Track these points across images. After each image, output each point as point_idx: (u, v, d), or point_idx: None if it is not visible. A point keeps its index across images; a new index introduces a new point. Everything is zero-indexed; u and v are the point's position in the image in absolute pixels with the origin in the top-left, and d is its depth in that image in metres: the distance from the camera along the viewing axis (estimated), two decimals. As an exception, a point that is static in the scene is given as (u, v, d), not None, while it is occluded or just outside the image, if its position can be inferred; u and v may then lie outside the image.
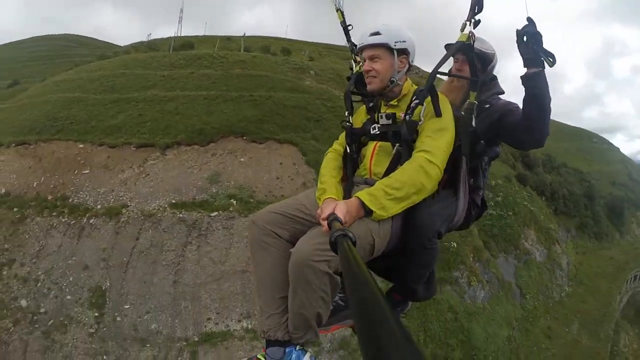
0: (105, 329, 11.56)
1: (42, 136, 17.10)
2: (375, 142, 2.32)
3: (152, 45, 29.74)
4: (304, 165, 15.45)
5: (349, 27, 2.67)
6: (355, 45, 2.48)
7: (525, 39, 2.13)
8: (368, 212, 1.91)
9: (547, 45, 2.13)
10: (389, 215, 1.96)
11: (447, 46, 2.46)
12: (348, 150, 2.43)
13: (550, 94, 2.18)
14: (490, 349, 13.46)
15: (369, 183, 2.13)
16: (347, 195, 2.20)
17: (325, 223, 1.74)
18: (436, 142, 2.08)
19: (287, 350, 2.07)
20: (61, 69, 41.42)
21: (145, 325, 11.70)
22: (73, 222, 13.42)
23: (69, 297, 11.97)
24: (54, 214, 13.82)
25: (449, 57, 2.36)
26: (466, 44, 2.26)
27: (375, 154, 2.30)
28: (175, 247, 12.75)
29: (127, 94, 19.25)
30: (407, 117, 2.17)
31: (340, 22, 2.69)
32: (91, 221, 13.26)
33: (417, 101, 2.15)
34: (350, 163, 2.43)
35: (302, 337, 2.08)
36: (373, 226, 1.98)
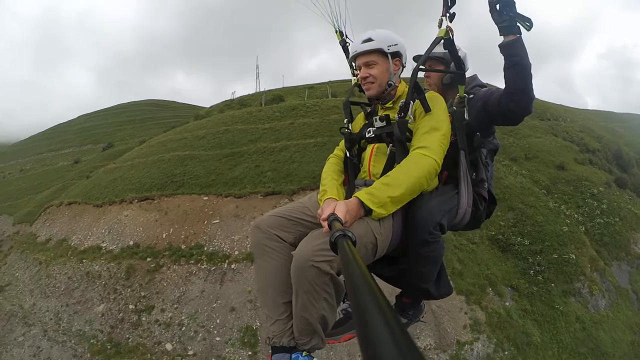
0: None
1: (165, 192, 17.86)
2: (373, 145, 2.31)
3: (242, 102, 31.09)
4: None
5: (348, 45, 2.66)
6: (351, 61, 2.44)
7: (498, 7, 2.06)
8: (368, 211, 1.88)
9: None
10: (389, 212, 1.93)
11: (416, 57, 2.52)
12: (348, 155, 2.43)
13: (530, 61, 2.12)
14: (617, 354, 13.48)
15: (369, 184, 2.06)
16: (348, 198, 2.13)
17: (325, 223, 1.70)
18: (431, 137, 2.05)
19: (293, 356, 1.99)
20: (151, 130, 44.66)
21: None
22: (213, 268, 13.43)
23: (217, 338, 11.88)
24: (192, 261, 13.92)
25: (430, 52, 2.30)
26: (445, 38, 2.22)
27: (373, 156, 2.29)
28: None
29: (236, 148, 19.94)
30: (398, 117, 2.16)
31: (340, 42, 2.71)
32: (232, 266, 13.16)
33: (404, 100, 2.16)
34: (351, 167, 2.42)
35: (308, 343, 2.00)
36: (374, 225, 1.94)
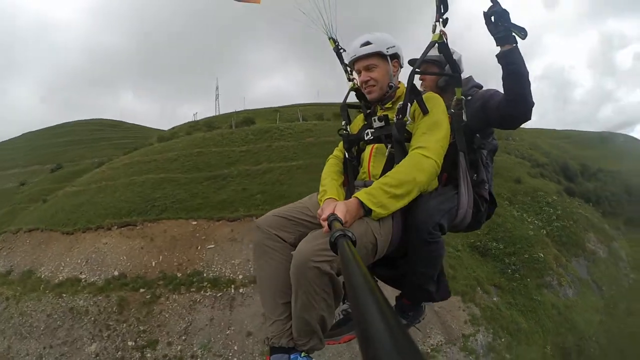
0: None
1: (147, 217, 16.79)
2: (372, 145, 2.29)
3: (209, 124, 30.22)
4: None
5: (341, 51, 2.66)
6: (348, 65, 2.46)
7: (493, 19, 2.10)
8: (367, 211, 1.85)
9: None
10: (389, 212, 1.91)
11: (412, 61, 2.47)
12: (347, 156, 2.42)
13: (528, 69, 2.15)
14: (590, 332, 15.75)
15: (369, 185, 2.03)
16: (348, 198, 2.06)
17: (325, 223, 1.67)
18: (430, 137, 2.03)
19: (291, 357, 1.97)
20: (104, 151, 41.80)
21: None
22: (219, 294, 12.94)
23: None
24: (193, 289, 13.26)
25: (425, 55, 2.29)
26: (439, 42, 2.24)
27: (372, 157, 2.27)
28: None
29: (215, 171, 19.40)
30: (397, 118, 2.14)
31: (334, 49, 2.69)
32: (241, 291, 12.73)
33: (402, 102, 2.14)
34: (351, 169, 2.40)
35: (307, 343, 1.97)
36: (374, 225, 1.91)
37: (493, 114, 2.32)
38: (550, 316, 15.31)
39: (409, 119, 2.10)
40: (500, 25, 2.08)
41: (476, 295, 14.70)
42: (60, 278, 15.65)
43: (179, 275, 13.91)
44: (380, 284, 2.25)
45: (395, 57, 2.24)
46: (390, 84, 2.24)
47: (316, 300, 1.80)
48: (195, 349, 11.83)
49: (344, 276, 1.11)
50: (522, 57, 2.10)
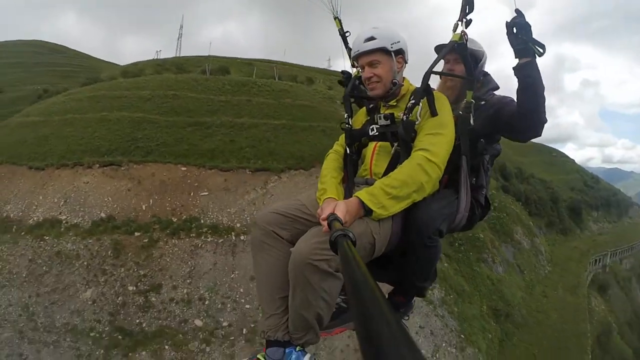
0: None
1: (132, 158, 15.70)
2: (375, 143, 2.21)
3: (179, 66, 27.87)
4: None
5: (347, 34, 2.53)
6: (352, 60, 2.34)
7: (515, 30, 2.05)
8: (368, 212, 1.82)
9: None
10: (389, 214, 1.87)
11: (438, 47, 2.41)
12: (348, 152, 2.32)
13: (544, 84, 2.10)
14: (515, 302, 18.23)
15: (370, 183, 2.00)
16: (347, 196, 2.08)
17: (325, 223, 1.64)
18: (436, 140, 1.97)
19: (287, 350, 1.96)
20: (46, 78, 36.98)
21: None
22: (221, 240, 12.96)
23: (247, 306, 11.77)
24: (192, 235, 13.16)
25: (443, 56, 2.25)
26: (459, 43, 2.18)
27: (375, 154, 2.20)
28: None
29: (196, 117, 18.48)
30: (405, 117, 2.06)
31: (338, 30, 2.57)
32: (242, 238, 12.92)
33: (414, 101, 2.07)
34: (351, 164, 2.31)
35: (302, 337, 1.97)
36: (373, 225, 1.88)
37: (504, 125, 2.29)
38: (486, 285, 17.71)
39: (418, 118, 2.02)
40: (521, 37, 2.04)
41: None
42: (35, 219, 14.37)
43: (174, 220, 13.57)
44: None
45: (400, 52, 2.15)
46: (394, 80, 2.15)
47: (314, 298, 1.79)
48: (202, 292, 11.97)
49: (344, 276, 1.11)
50: (539, 72, 2.06)
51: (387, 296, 2.33)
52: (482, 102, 2.34)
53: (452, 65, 2.49)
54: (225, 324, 11.28)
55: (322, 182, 2.18)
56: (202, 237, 12.94)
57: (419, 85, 2.14)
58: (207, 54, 37.08)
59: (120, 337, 11.12)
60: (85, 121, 18.50)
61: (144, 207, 14.08)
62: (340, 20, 2.54)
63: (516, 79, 2.12)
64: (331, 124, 18.26)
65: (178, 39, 44.32)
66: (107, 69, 39.30)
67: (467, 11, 2.11)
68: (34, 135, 18.48)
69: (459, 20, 2.13)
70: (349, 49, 2.38)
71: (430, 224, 1.95)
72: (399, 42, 2.11)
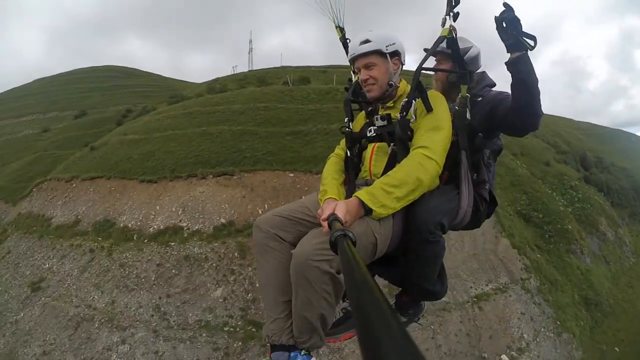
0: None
1: (243, 167, 16.33)
2: (373, 144, 2.19)
3: (261, 79, 28.70)
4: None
5: (348, 41, 2.46)
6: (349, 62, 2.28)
7: (504, 24, 1.97)
8: (368, 211, 1.78)
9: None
10: (389, 212, 1.83)
11: (426, 50, 2.35)
12: (349, 154, 2.30)
13: (537, 76, 2.03)
14: (603, 292, 18.49)
15: (369, 184, 1.95)
16: (348, 197, 1.97)
17: (325, 223, 1.61)
18: (433, 137, 1.94)
19: (291, 354, 1.90)
20: (127, 99, 39.34)
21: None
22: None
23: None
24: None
25: (432, 52, 2.21)
26: (448, 37, 2.13)
27: (374, 155, 2.17)
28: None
29: (292, 127, 18.74)
30: (400, 116, 2.05)
31: (340, 38, 2.54)
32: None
33: (407, 100, 2.04)
34: (352, 167, 2.28)
35: (307, 341, 1.90)
36: (374, 225, 1.84)
37: (500, 121, 2.22)
38: (576, 275, 17.82)
39: (413, 117, 2.00)
40: (511, 32, 1.95)
41: (527, 250, 16.48)
42: (155, 227, 14.78)
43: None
44: (379, 281, 2.11)
45: (396, 54, 2.11)
46: (390, 82, 2.12)
47: (316, 299, 1.74)
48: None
49: (344, 276, 1.08)
50: (531, 65, 1.98)
51: (394, 297, 2.37)
52: (479, 99, 2.29)
53: (439, 61, 2.49)
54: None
55: (323, 184, 2.15)
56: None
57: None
58: (279, 65, 37.77)
59: (254, 329, 11.53)
60: (188, 136, 19.25)
61: (260, 212, 14.25)
62: (342, 29, 2.52)
63: (509, 74, 2.04)
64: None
65: (249, 53, 45.88)
66: (185, 87, 41.11)
67: (453, 4, 2.06)
68: (139, 152, 19.42)
69: (446, 15, 2.09)
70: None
71: (431, 219, 1.89)
72: (394, 43, 2.07)
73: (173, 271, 13.37)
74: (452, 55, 2.22)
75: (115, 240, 14.87)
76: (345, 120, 2.31)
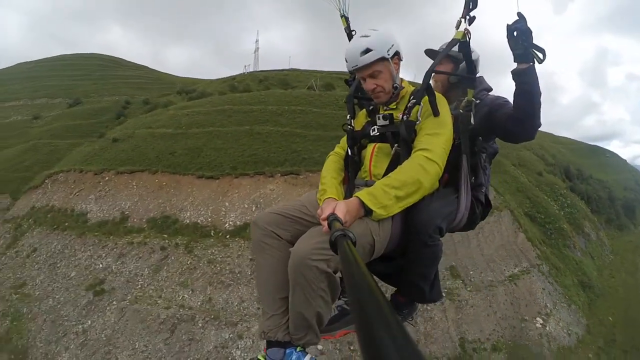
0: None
1: (306, 167, 17.16)
2: (373, 144, 2.14)
3: (284, 82, 28.19)
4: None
5: (353, 33, 2.40)
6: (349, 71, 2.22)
7: (515, 34, 1.94)
8: (368, 212, 1.75)
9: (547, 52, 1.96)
10: (389, 214, 1.81)
11: (428, 51, 2.43)
12: (349, 153, 2.23)
13: (541, 89, 2.02)
14: (593, 278, 21.43)
15: (370, 185, 1.90)
16: (348, 197, 1.98)
17: (325, 223, 1.59)
18: (435, 140, 1.92)
19: (287, 351, 1.89)
20: (121, 90, 37.02)
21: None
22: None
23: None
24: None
25: (445, 54, 2.20)
26: (462, 41, 2.11)
27: (374, 156, 2.13)
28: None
29: (334, 132, 19.27)
30: (405, 117, 2.02)
31: (345, 28, 2.45)
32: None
33: (415, 101, 2.02)
34: (352, 166, 2.23)
35: (303, 338, 1.90)
36: (373, 226, 1.83)
37: (498, 126, 2.22)
38: (572, 264, 21.10)
39: (419, 119, 1.98)
40: (521, 42, 1.93)
41: (537, 243, 19.85)
42: (231, 223, 14.67)
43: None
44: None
45: (396, 54, 2.05)
46: (394, 85, 2.08)
47: (313, 298, 1.75)
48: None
49: (344, 276, 1.04)
50: (537, 77, 1.99)
51: (390, 296, 2.36)
52: (477, 101, 2.24)
53: (443, 64, 2.45)
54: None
55: (322, 182, 2.12)
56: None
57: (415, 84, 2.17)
58: (288, 67, 37.37)
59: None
60: (233, 134, 19.22)
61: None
62: (347, 18, 2.45)
63: (514, 83, 2.08)
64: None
65: (254, 52, 44.30)
66: (194, 83, 39.54)
67: (470, 7, 2.03)
68: (181, 147, 19.28)
69: (462, 17, 2.06)
70: None
71: (430, 223, 1.89)
72: (393, 45, 2.01)
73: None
74: (464, 58, 2.21)
75: (191, 236, 14.25)
76: (347, 118, 2.26)
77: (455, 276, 15.63)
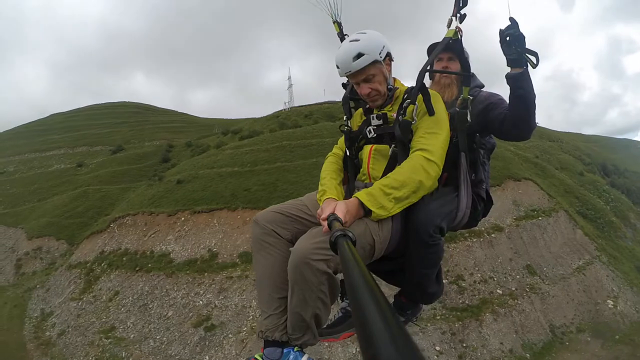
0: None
1: None
2: (370, 146, 2.12)
3: (329, 114, 29.29)
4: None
5: (345, 37, 2.35)
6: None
7: (508, 39, 1.95)
8: (367, 212, 1.75)
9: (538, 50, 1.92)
10: (389, 214, 1.79)
11: (432, 47, 2.41)
12: (348, 154, 2.23)
13: (535, 92, 2.05)
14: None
15: (369, 187, 1.87)
16: (348, 197, 1.95)
17: (325, 223, 1.57)
18: (433, 139, 1.89)
19: (284, 351, 1.85)
20: (159, 134, 37.96)
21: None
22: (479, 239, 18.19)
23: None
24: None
25: (438, 53, 2.16)
26: (453, 39, 2.08)
27: (371, 158, 2.10)
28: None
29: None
30: (400, 117, 1.98)
31: (337, 34, 2.42)
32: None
33: (409, 100, 1.97)
34: (351, 166, 2.22)
35: (300, 338, 1.86)
36: (373, 226, 1.81)
37: (494, 125, 2.27)
38: (626, 253, 22.81)
39: (414, 118, 1.97)
40: (514, 48, 1.98)
41: (593, 237, 21.61)
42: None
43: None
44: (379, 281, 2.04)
45: (387, 55, 2.04)
46: (389, 86, 2.07)
47: (312, 298, 1.74)
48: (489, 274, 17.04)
49: (344, 276, 0.96)
50: (531, 81, 2.06)
51: (394, 297, 2.39)
52: (471, 98, 2.18)
53: (446, 62, 2.46)
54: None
55: (321, 183, 2.13)
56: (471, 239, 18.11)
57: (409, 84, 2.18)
58: (323, 100, 38.95)
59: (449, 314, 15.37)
60: (303, 167, 19.97)
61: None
62: (339, 24, 2.44)
63: (509, 86, 2.15)
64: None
65: (288, 89, 45.25)
66: (234, 123, 41.21)
67: (460, 5, 2.05)
68: (253, 183, 19.84)
69: (452, 16, 2.07)
70: None
71: (430, 223, 1.89)
72: (384, 46, 2.00)
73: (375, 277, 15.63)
74: (457, 56, 2.25)
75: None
76: (344, 119, 2.29)
77: (532, 273, 18.28)
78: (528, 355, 14.83)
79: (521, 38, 1.94)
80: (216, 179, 23.31)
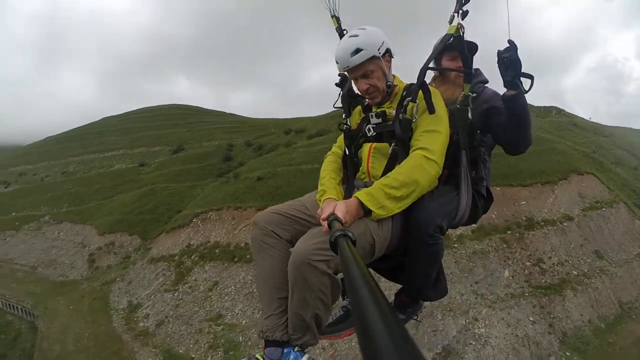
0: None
1: None
2: (370, 144, 2.11)
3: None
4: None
5: (344, 32, 2.31)
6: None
7: (505, 61, 1.95)
8: (367, 212, 1.76)
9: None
10: (389, 214, 1.80)
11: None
12: (347, 153, 2.21)
13: (529, 110, 2.10)
14: None
15: (369, 186, 1.87)
16: (347, 197, 2.01)
17: (325, 223, 1.57)
18: (433, 138, 1.90)
19: (285, 351, 1.85)
20: (216, 134, 38.90)
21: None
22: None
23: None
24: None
25: (439, 50, 2.13)
26: (455, 36, 2.02)
27: (371, 156, 2.09)
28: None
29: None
30: (400, 115, 1.99)
31: (336, 28, 2.36)
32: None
33: (409, 98, 1.97)
34: (351, 165, 2.19)
35: (301, 338, 1.87)
36: (373, 226, 1.81)
37: (495, 130, 2.27)
38: None
39: (415, 116, 1.97)
40: (510, 71, 1.98)
41: None
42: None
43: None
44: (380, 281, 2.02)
45: (387, 52, 2.04)
46: (388, 83, 2.07)
47: (312, 298, 1.74)
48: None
49: (344, 276, 0.99)
50: (525, 103, 2.10)
51: (394, 295, 2.42)
52: (474, 94, 2.17)
53: (450, 60, 2.46)
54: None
55: (321, 183, 2.12)
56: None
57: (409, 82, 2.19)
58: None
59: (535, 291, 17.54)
60: None
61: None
62: (338, 19, 2.39)
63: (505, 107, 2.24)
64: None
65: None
66: (294, 123, 45.67)
67: (463, 2, 2.02)
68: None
69: (455, 12, 2.03)
70: None
71: (430, 222, 1.91)
72: (383, 42, 2.01)
73: (471, 264, 17.76)
74: (459, 54, 2.16)
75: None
76: (343, 117, 2.27)
77: (600, 257, 20.60)
78: (603, 325, 17.37)
79: (517, 62, 1.95)
80: (297, 174, 24.43)
